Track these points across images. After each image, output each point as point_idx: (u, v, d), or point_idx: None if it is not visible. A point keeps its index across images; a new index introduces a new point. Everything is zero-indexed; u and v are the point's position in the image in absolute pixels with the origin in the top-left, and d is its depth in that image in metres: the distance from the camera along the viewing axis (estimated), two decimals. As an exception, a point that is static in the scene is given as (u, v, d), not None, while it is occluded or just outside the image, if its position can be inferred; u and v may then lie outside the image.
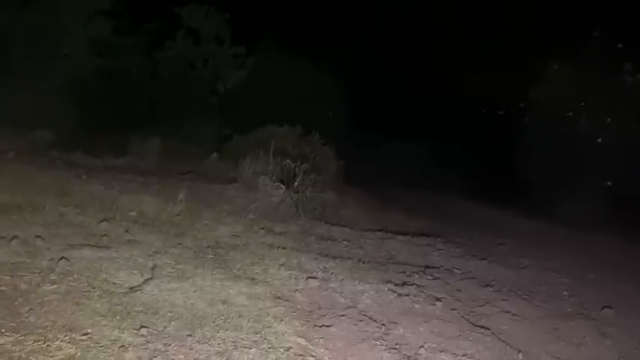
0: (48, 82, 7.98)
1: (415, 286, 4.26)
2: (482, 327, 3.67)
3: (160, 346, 2.50)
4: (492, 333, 3.60)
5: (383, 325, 3.38)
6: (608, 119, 10.92)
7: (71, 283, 2.91)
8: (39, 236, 3.48)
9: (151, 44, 9.21)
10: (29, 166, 5.22)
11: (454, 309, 3.93)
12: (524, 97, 12.99)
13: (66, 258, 3.24)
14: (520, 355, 3.34)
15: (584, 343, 3.74)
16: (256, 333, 2.89)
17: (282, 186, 6.30)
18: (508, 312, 4.05)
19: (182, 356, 2.47)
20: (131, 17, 8.61)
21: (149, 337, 2.56)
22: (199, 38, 9.58)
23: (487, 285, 4.65)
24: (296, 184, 6.30)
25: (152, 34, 9.16)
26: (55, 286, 2.83)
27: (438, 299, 4.02)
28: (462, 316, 3.80)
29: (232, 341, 2.73)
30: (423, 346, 3.19)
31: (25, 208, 4.00)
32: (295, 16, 13.50)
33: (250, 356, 2.62)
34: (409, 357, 3.01)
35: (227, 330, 2.84)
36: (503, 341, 3.50)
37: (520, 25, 14.13)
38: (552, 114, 11.82)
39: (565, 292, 4.80)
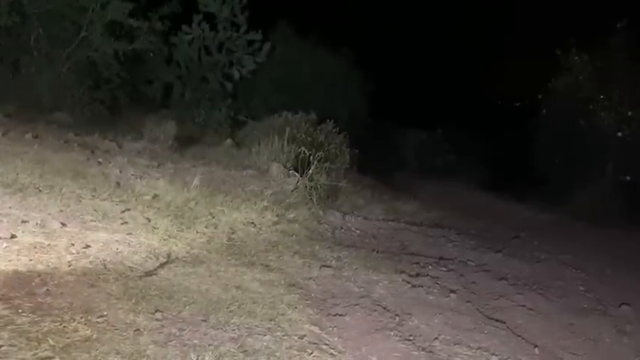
0: (67, 65, 8.01)
1: (429, 277, 4.24)
2: (497, 320, 3.63)
3: (174, 331, 2.50)
4: (507, 327, 3.56)
5: (397, 315, 3.35)
6: (629, 113, 10.70)
7: (87, 266, 2.92)
8: (56, 218, 3.50)
9: (168, 28, 9.15)
10: (47, 148, 5.24)
11: (469, 301, 3.89)
12: (543, 88, 12.76)
13: (82, 240, 3.25)
14: (536, 349, 3.30)
15: (601, 339, 3.69)
16: (270, 320, 2.88)
17: (296, 174, 6.28)
18: (523, 306, 4.01)
19: (197, 341, 2.47)
20: (148, 1, 8.57)
21: (164, 322, 2.56)
22: (216, 23, 9.50)
23: (502, 278, 4.61)
24: (310, 171, 6.26)
25: (168, 18, 9.10)
26: (71, 267, 2.84)
27: (453, 291, 3.99)
28: (477, 309, 3.77)
29: (246, 327, 2.72)
30: (437, 338, 3.16)
31: (42, 189, 4.02)
32: (312, 2, 13.37)
33: (264, 343, 2.61)
34: (424, 348, 2.98)
35: (241, 316, 2.83)
36: (518, 335, 3.46)
37: (541, 14, 13.86)
38: (571, 106, 11.62)
39: (581, 288, 4.74)
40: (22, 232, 3.15)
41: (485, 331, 3.42)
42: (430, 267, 4.54)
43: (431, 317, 3.44)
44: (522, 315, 3.85)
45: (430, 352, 2.98)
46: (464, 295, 4.01)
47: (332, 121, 7.83)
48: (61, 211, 3.69)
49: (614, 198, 9.29)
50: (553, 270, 5.17)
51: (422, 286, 3.97)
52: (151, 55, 9.47)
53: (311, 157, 6.38)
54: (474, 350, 3.10)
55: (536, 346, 3.33)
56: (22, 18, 7.52)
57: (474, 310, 3.76)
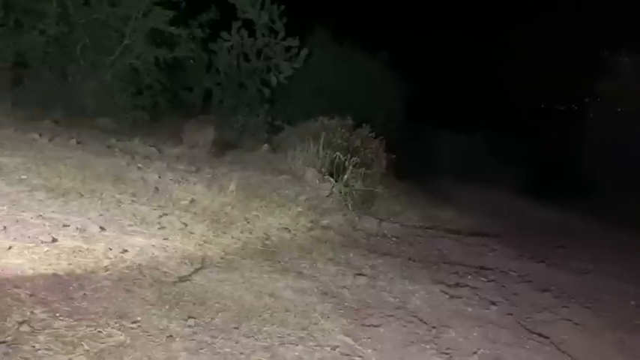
0: (110, 72, 8.26)
1: (468, 287, 4.09)
2: (540, 335, 3.46)
3: (206, 338, 2.49)
4: (552, 342, 3.38)
5: (434, 327, 3.24)
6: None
7: (124, 271, 2.96)
8: (95, 222, 3.58)
9: (207, 35, 9.32)
10: (89, 153, 5.40)
11: (510, 314, 3.74)
12: (590, 91, 12.31)
13: (119, 245, 3.31)
14: (582, 367, 3.12)
15: (654, 358, 3.46)
16: (303, 329, 2.84)
17: (331, 179, 6.24)
18: (569, 320, 3.81)
19: (228, 349, 2.45)
20: (188, 8, 8.74)
21: (196, 329, 2.56)
22: (254, 30, 9.60)
23: (546, 290, 4.41)
24: (345, 177, 6.21)
25: (208, 25, 9.27)
26: (108, 272, 2.89)
27: (493, 303, 3.85)
28: (519, 322, 3.61)
29: (279, 336, 2.69)
30: (476, 353, 3.03)
31: (84, 194, 4.12)
32: (350, 8, 13.36)
33: (296, 353, 2.57)
34: (461, 363, 2.87)
35: (273, 324, 2.81)
36: (563, 352, 3.28)
37: (586, 13, 13.35)
38: (620, 109, 11.14)
39: (632, 302, 4.48)
40: (63, 236, 3.22)
41: (528, 347, 3.27)
42: (469, 277, 4.40)
43: (469, 330, 3.31)
44: (568, 330, 3.66)
45: (468, 367, 2.87)
46: (505, 307, 3.85)
47: (368, 125, 7.74)
48: (101, 215, 3.77)
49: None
50: (601, 282, 4.91)
51: (460, 297, 3.84)
52: (192, 62, 9.65)
53: (346, 163, 6.32)
54: (515, 367, 2.96)
55: (582, 364, 3.16)
56: (69, 28, 7.80)
57: (515, 323, 3.60)
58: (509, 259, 5.24)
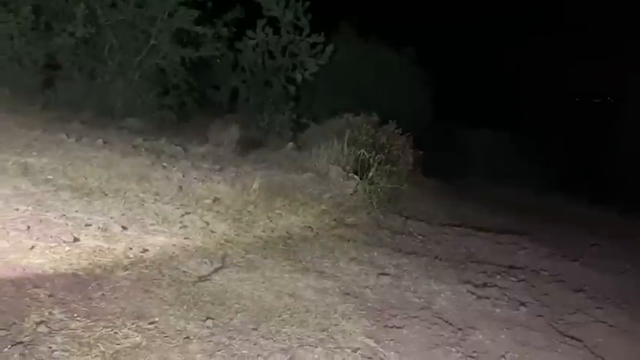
0: (138, 72, 8.37)
1: (497, 287, 3.96)
2: (572, 338, 3.31)
3: (224, 339, 2.46)
4: (585, 345, 3.23)
5: (459, 329, 3.13)
6: None
7: (143, 270, 2.96)
8: (118, 222, 3.60)
9: (233, 34, 9.34)
10: (115, 153, 5.46)
11: (540, 315, 3.59)
12: (626, 84, 11.86)
13: (140, 244, 3.31)
14: (618, 373, 2.97)
15: (696, 364, 3.26)
16: (323, 330, 2.78)
17: (355, 177, 6.15)
18: (603, 322, 3.64)
19: (245, 351, 2.41)
20: (213, 7, 8.77)
21: (214, 330, 2.53)
22: (279, 27, 9.58)
23: (579, 290, 4.23)
24: (370, 174, 6.11)
25: (233, 24, 9.29)
26: (127, 272, 2.89)
27: (523, 304, 3.70)
28: (550, 324, 3.46)
29: (298, 338, 2.64)
30: (504, 356, 2.92)
31: (108, 193, 4.16)
32: (375, 4, 13.20)
33: (315, 355, 2.51)
34: (488, 368, 2.76)
35: (293, 325, 2.76)
36: (597, 356, 3.13)
37: (615, 7, 12.83)
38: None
39: (672, 303, 4.24)
40: (85, 235, 3.25)
41: (559, 350, 3.12)
42: (498, 277, 4.25)
43: (497, 332, 3.19)
44: (602, 332, 3.49)
45: (495, 371, 2.76)
46: (535, 308, 3.71)
47: (395, 122, 7.62)
48: (123, 214, 3.79)
49: None
50: (638, 283, 4.69)
51: (488, 298, 3.71)
52: (218, 61, 9.70)
53: (371, 160, 6.22)
54: (545, 371, 2.83)
55: (618, 370, 3.00)
56: (97, 29, 7.92)
57: (546, 325, 3.45)
58: (541, 257, 5.05)
